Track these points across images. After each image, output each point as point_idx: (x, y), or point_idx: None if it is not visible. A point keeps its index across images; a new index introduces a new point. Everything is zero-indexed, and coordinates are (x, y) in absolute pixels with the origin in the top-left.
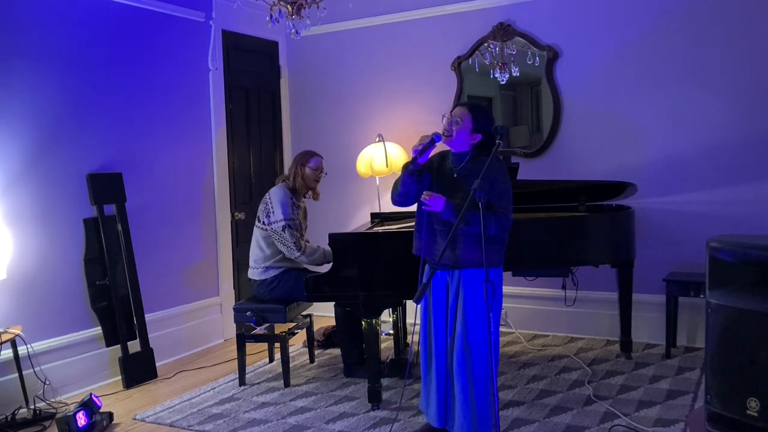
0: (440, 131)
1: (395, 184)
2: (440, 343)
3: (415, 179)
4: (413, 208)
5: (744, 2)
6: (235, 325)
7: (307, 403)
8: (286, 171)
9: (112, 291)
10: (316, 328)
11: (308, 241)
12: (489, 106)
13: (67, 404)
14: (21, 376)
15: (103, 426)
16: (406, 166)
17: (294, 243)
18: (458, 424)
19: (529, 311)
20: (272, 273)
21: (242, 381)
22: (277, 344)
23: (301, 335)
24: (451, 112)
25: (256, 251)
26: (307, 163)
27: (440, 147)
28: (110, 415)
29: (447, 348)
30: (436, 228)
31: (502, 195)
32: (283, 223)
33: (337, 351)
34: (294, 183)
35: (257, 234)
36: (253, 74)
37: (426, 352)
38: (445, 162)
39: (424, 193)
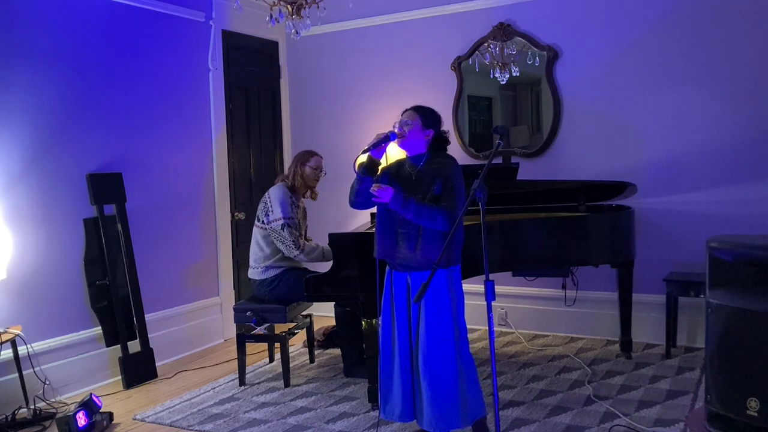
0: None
1: (352, 185)
2: (404, 343)
3: (370, 177)
4: None
5: (744, 2)
6: (235, 325)
7: (307, 403)
8: (285, 171)
9: (112, 291)
10: (316, 328)
11: (311, 239)
12: (489, 106)
13: (67, 404)
14: (21, 376)
15: (103, 426)
16: (360, 165)
17: (293, 241)
18: (434, 416)
19: (529, 311)
20: (272, 273)
21: (242, 381)
22: (277, 344)
23: (301, 335)
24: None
25: (256, 251)
26: (307, 162)
27: (398, 154)
28: (110, 415)
29: (411, 347)
30: (398, 231)
31: (451, 193)
32: (282, 221)
33: (337, 351)
34: (293, 182)
35: (257, 234)
36: (253, 74)
37: (390, 350)
38: (402, 168)
39: (373, 185)
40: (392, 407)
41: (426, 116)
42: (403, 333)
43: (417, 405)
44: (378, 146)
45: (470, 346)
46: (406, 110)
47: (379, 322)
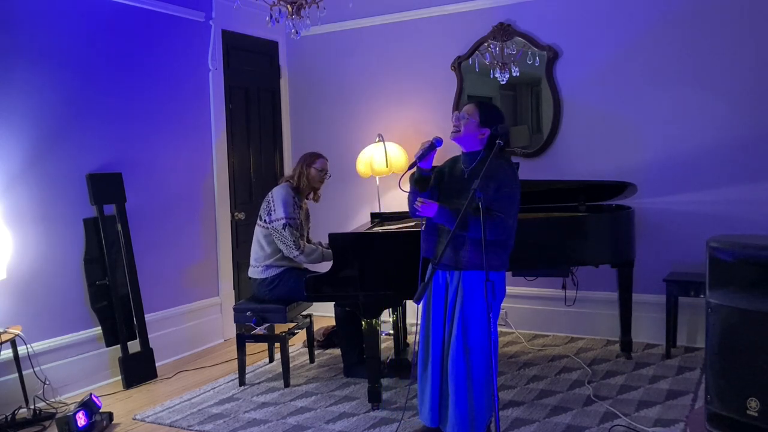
0: (441, 133)
1: (408, 197)
2: (437, 343)
3: (420, 192)
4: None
5: (744, 2)
6: (235, 325)
7: (307, 403)
8: (287, 172)
9: (112, 291)
10: (316, 328)
11: (311, 240)
12: None
13: (67, 404)
14: (21, 376)
15: (103, 426)
16: (412, 176)
17: (293, 242)
18: (451, 423)
19: (529, 311)
20: (273, 272)
21: (242, 381)
22: (277, 344)
23: (301, 335)
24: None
25: (257, 250)
26: (313, 164)
27: (454, 150)
28: (110, 415)
29: (443, 347)
30: (441, 229)
31: (505, 199)
32: (283, 221)
33: (337, 351)
34: (298, 183)
35: (258, 232)
36: (253, 74)
37: (423, 351)
38: (457, 164)
39: (417, 200)
40: (426, 410)
41: (484, 114)
42: (438, 335)
43: (443, 409)
44: (425, 156)
45: None
46: (468, 103)
47: (419, 322)
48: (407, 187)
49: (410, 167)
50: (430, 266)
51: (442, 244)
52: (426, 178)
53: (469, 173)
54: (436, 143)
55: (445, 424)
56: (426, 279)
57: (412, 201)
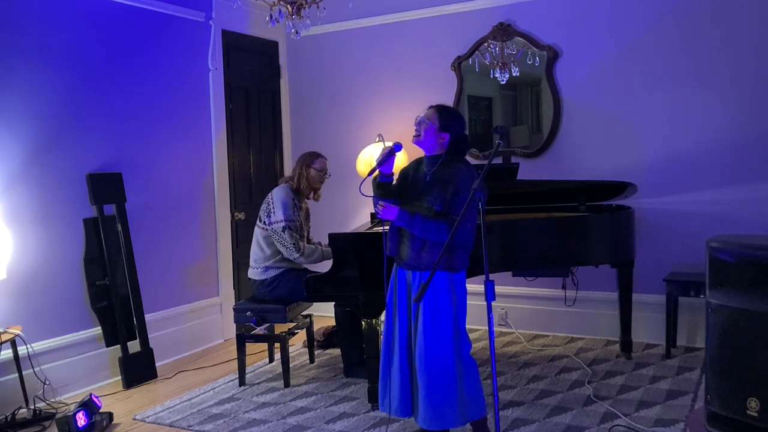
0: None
1: (373, 200)
2: (403, 338)
3: (386, 191)
4: None
5: (744, 2)
6: (235, 325)
7: (307, 403)
8: (287, 171)
9: (112, 291)
10: (316, 328)
11: (312, 239)
12: (489, 106)
13: (67, 404)
14: (21, 376)
15: (103, 426)
16: (374, 180)
17: (293, 244)
18: (431, 415)
19: (529, 311)
20: (272, 273)
21: (242, 381)
22: (277, 344)
23: (301, 335)
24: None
25: (257, 251)
26: (312, 164)
27: (416, 152)
28: (110, 415)
29: (409, 342)
30: (403, 231)
31: (462, 203)
32: (283, 223)
33: (337, 351)
34: (298, 184)
35: (258, 234)
36: (253, 74)
37: (389, 346)
38: (420, 167)
39: (378, 203)
40: (390, 400)
41: (444, 118)
42: (404, 330)
43: (415, 401)
44: (385, 161)
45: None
46: (430, 107)
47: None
48: (369, 191)
49: (370, 173)
50: (394, 265)
51: (404, 244)
52: (386, 183)
53: (431, 176)
54: (395, 148)
55: (417, 416)
56: (426, 282)
57: (375, 203)
